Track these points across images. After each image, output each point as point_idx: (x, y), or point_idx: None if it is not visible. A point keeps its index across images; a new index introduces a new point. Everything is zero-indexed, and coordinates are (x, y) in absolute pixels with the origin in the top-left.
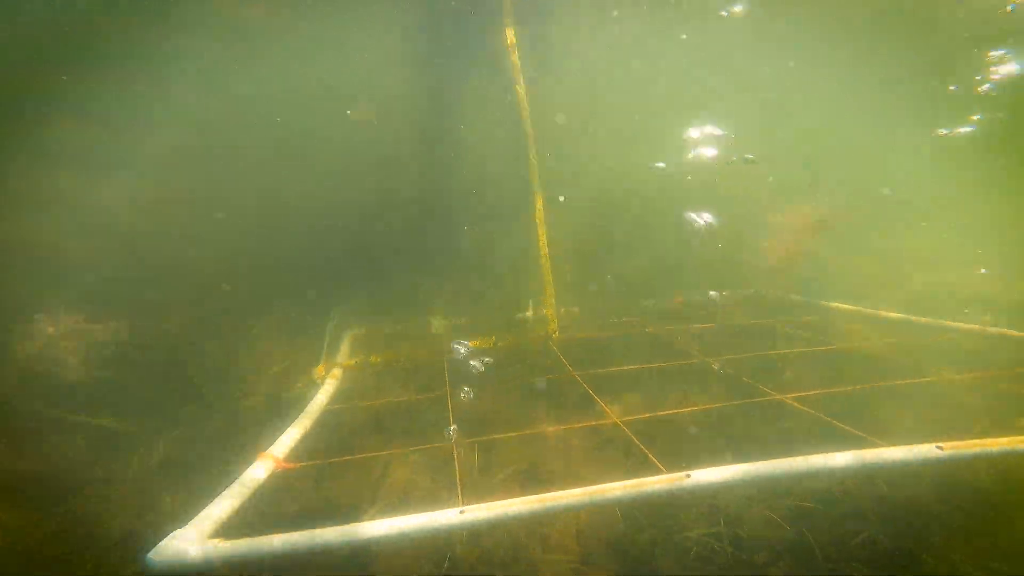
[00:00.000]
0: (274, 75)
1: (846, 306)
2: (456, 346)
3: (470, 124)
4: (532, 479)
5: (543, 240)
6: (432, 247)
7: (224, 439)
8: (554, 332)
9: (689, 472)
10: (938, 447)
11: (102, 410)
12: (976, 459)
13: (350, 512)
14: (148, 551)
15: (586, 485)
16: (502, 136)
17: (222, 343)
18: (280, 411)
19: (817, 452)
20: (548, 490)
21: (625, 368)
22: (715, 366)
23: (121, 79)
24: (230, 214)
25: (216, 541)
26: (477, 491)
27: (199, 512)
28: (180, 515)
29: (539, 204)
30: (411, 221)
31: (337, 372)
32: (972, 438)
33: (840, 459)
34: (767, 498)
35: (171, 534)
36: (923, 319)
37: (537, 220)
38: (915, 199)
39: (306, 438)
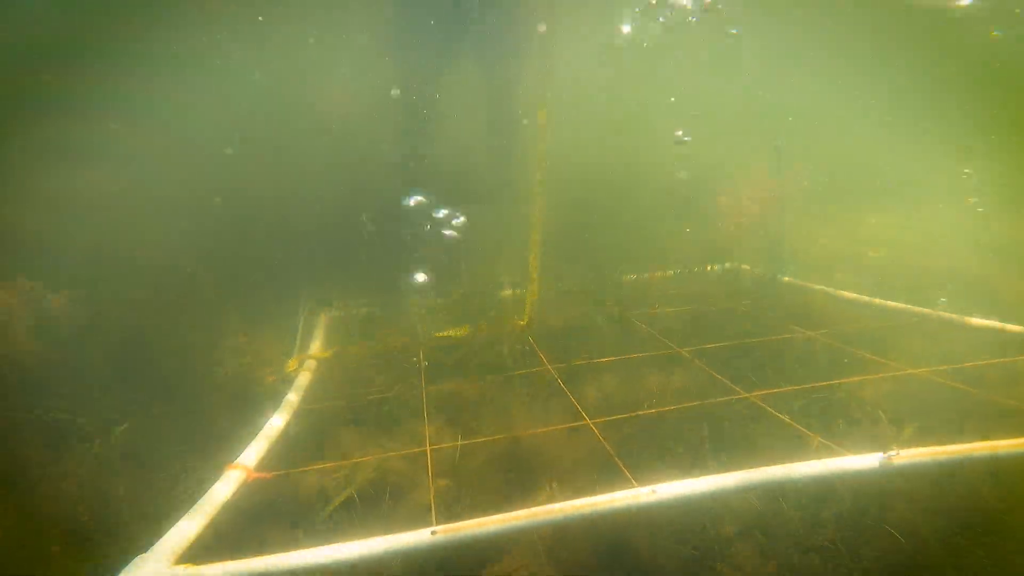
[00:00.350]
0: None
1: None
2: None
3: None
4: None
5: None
6: (411, 231)
7: (188, 441)
8: (531, 319)
9: (655, 488)
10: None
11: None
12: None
13: (331, 526)
14: None
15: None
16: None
17: (187, 333)
18: (250, 410)
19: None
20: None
21: (602, 360)
22: (687, 355)
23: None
24: (199, 201)
25: (183, 567)
26: (452, 502)
27: (163, 533)
28: (139, 532)
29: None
30: (386, 207)
31: (311, 364)
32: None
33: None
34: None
35: (134, 560)
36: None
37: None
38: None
39: (279, 443)
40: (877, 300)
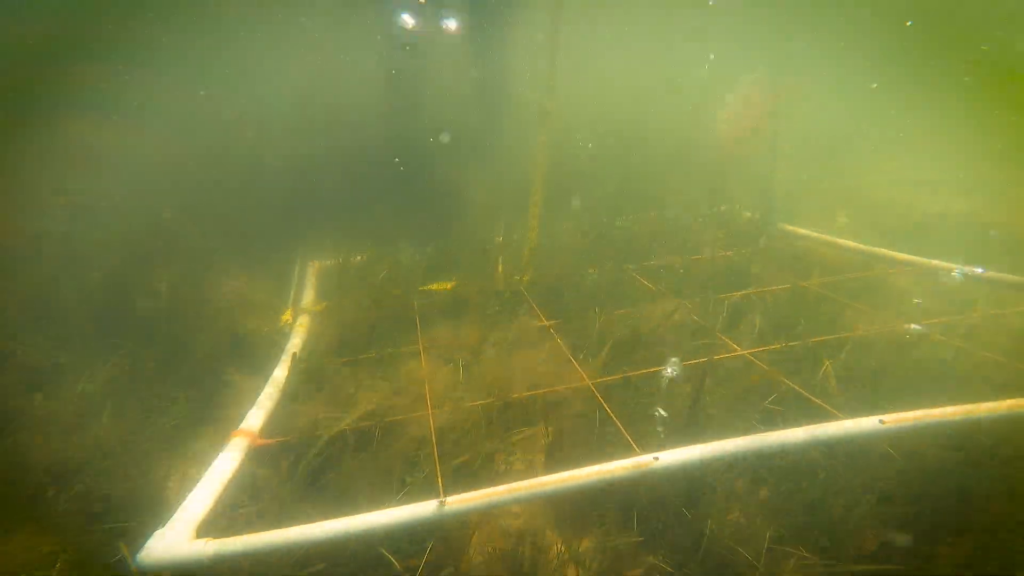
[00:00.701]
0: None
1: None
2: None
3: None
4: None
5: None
6: (407, 182)
7: (188, 398)
8: (527, 274)
9: (657, 455)
10: (880, 420)
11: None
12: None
13: (339, 496)
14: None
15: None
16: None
17: (179, 284)
18: (247, 366)
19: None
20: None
21: (598, 315)
22: (684, 313)
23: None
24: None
25: (203, 541)
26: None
27: (179, 505)
28: (152, 503)
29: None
30: (383, 158)
31: (305, 319)
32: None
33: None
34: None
35: (154, 534)
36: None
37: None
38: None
39: (279, 405)
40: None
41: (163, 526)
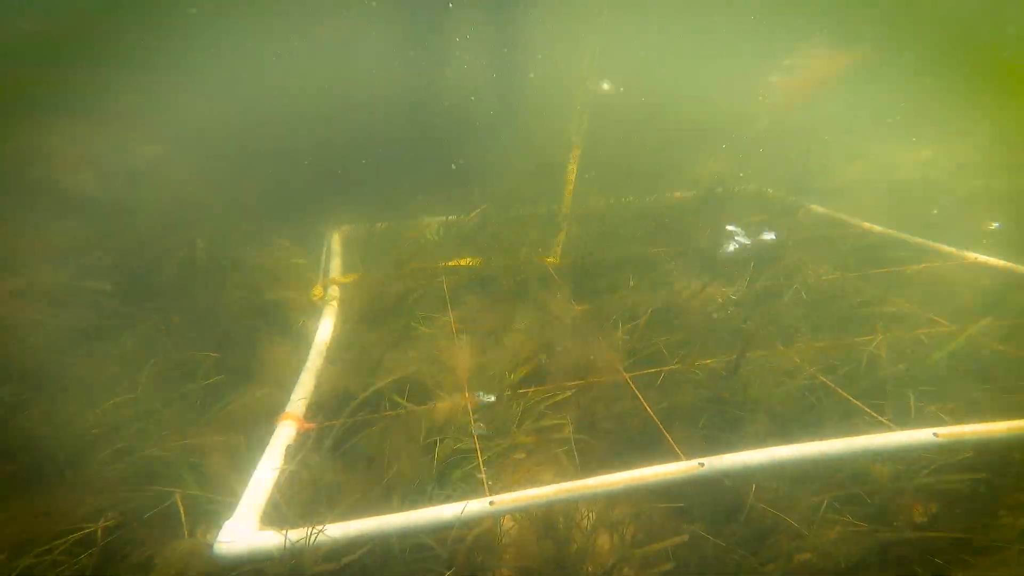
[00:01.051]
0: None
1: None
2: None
3: None
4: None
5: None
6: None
7: (223, 367)
8: (557, 252)
9: (703, 461)
10: (935, 434)
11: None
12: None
13: (401, 484)
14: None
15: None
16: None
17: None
18: (279, 332)
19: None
20: None
21: (629, 297)
22: (716, 308)
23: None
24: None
25: (271, 531)
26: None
27: (241, 494)
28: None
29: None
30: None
31: (335, 292)
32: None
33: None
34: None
35: (224, 524)
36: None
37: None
38: None
39: (320, 387)
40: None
41: (231, 517)
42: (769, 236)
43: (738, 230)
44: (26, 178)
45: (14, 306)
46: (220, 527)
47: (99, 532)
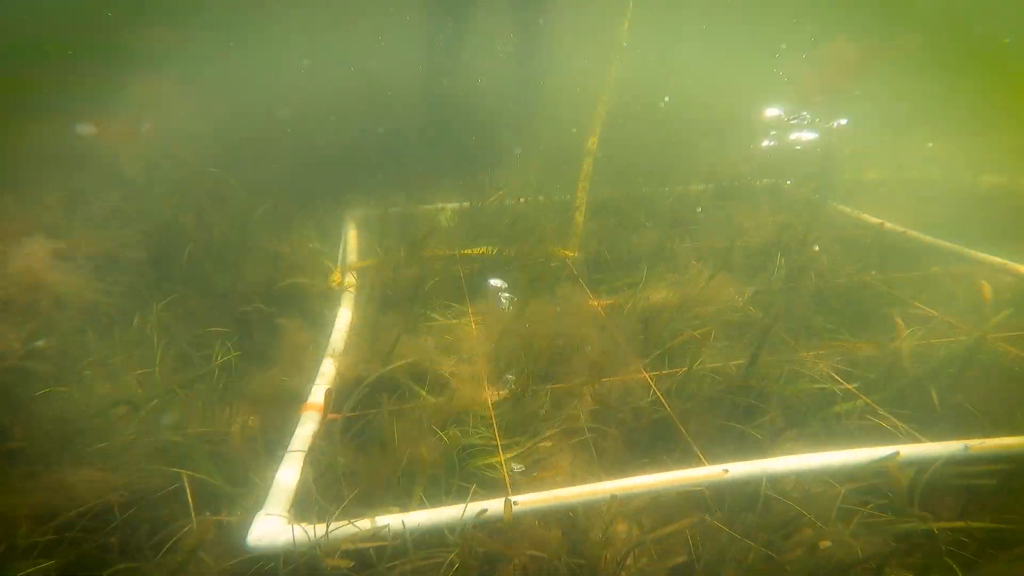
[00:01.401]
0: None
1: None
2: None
3: None
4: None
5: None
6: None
7: (241, 349)
8: (574, 243)
9: (727, 468)
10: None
11: None
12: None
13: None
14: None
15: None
16: None
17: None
18: (297, 315)
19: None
20: None
21: (646, 292)
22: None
23: None
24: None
25: (300, 526)
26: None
27: (269, 487)
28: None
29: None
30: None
31: (352, 278)
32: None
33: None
34: None
35: (256, 518)
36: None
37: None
38: None
39: (341, 373)
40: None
41: (261, 509)
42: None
43: (758, 225)
44: (79, 148)
45: (55, 266)
46: (250, 520)
47: (116, 510)
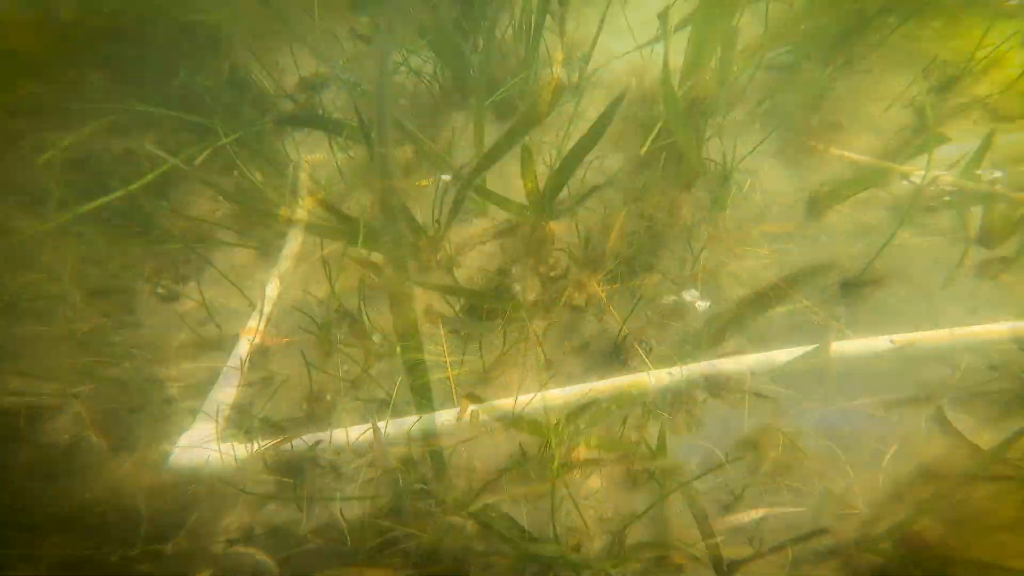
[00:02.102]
0: None
1: None
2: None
3: None
4: None
5: None
6: None
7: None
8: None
9: (671, 371)
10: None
11: None
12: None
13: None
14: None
15: None
16: None
17: None
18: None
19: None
20: None
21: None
22: None
23: None
24: None
25: (231, 444)
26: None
27: (201, 407)
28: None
29: None
30: None
31: (302, 212)
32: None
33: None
34: None
35: (181, 437)
36: None
37: None
38: None
39: (284, 302)
40: None
41: (188, 429)
42: None
43: None
44: None
45: None
46: (176, 438)
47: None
